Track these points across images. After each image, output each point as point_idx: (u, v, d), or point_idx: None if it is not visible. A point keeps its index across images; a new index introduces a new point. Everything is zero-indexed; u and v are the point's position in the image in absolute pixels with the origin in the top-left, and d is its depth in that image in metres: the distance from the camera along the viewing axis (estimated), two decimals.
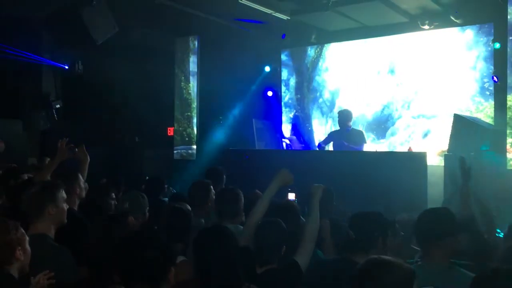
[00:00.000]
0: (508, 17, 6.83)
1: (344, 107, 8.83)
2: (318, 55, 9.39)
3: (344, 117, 7.36)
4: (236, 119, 8.94)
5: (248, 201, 3.69)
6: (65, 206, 3.03)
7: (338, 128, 7.52)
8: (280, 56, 9.74)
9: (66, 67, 8.82)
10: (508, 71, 6.80)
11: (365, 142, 7.40)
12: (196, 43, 9.64)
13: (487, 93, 7.51)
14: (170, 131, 9.89)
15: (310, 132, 9.40)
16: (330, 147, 7.58)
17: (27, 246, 2.45)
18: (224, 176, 4.74)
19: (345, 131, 7.25)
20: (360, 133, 7.48)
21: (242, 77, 8.77)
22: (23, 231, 2.48)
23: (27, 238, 2.48)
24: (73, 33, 8.11)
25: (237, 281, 2.28)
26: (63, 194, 3.03)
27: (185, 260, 2.85)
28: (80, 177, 3.90)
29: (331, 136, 7.62)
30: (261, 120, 9.12)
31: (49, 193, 2.96)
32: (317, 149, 7.84)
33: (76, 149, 4.22)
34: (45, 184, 3.15)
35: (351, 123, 7.41)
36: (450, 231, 2.58)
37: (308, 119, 9.47)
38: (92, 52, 8.20)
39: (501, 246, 3.27)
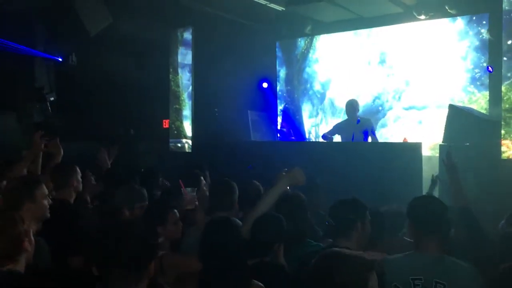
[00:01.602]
0: (504, 7, 6.82)
1: (335, 98, 8.81)
2: (308, 46, 9.34)
3: (352, 107, 7.17)
4: (232, 111, 8.90)
5: (245, 191, 3.70)
6: (46, 202, 3.00)
7: (334, 119, 7.44)
8: (275, 47, 9.69)
9: (60, 60, 8.75)
10: (503, 61, 6.79)
11: (375, 129, 7.25)
12: (184, 34, 9.60)
13: (478, 83, 7.46)
14: (166, 124, 9.85)
15: (300, 124, 9.35)
16: (336, 138, 7.34)
17: (32, 238, 2.49)
18: (202, 178, 4.65)
19: (355, 122, 7.04)
20: (369, 121, 7.28)
21: (237, 69, 8.73)
22: (29, 222, 2.51)
23: (32, 230, 2.52)
24: (66, 25, 8.04)
25: (243, 275, 2.30)
26: (42, 190, 3.01)
27: (167, 253, 2.85)
28: (78, 170, 3.88)
29: (338, 128, 7.37)
30: (256, 111, 9.11)
31: (26, 189, 2.94)
32: (322, 140, 7.58)
33: (49, 142, 4.18)
34: (22, 180, 3.11)
35: (358, 113, 7.25)
36: (444, 221, 2.58)
37: (298, 111, 9.42)
38: (86, 44, 8.14)
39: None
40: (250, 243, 2.69)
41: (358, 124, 7.03)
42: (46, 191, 3.07)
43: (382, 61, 8.44)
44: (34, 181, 3.06)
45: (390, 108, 8.33)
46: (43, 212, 2.98)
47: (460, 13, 7.53)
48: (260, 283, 2.37)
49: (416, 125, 7.99)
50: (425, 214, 2.60)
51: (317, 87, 9.25)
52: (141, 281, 1.97)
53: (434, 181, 3.94)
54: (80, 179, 3.85)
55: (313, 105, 9.29)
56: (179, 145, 9.63)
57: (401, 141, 6.99)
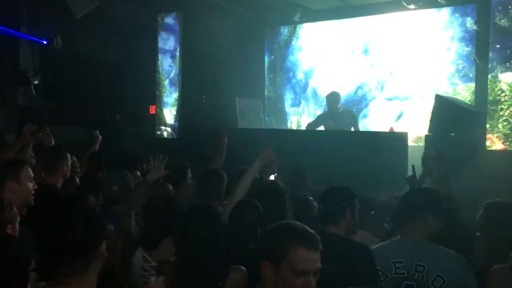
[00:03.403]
0: None
1: (318, 87, 8.75)
2: (292, 34, 9.23)
3: (333, 100, 7.02)
4: (219, 97, 8.85)
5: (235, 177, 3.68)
6: (31, 185, 2.91)
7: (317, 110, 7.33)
8: (264, 34, 9.61)
9: (45, 42, 8.62)
10: (490, 53, 6.83)
11: (357, 122, 7.18)
12: (165, 19, 9.50)
13: (461, 74, 7.45)
14: (152, 109, 9.79)
15: (282, 112, 9.31)
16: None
17: (17, 226, 2.41)
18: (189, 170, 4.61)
19: (336, 114, 6.96)
20: (351, 113, 7.23)
21: (225, 55, 8.66)
22: (16, 210, 2.44)
23: (19, 218, 2.44)
24: (52, 7, 7.91)
25: (222, 262, 2.29)
26: (28, 172, 2.93)
27: None
28: (68, 156, 3.85)
29: (321, 119, 7.25)
30: (244, 98, 9.06)
31: (10, 168, 2.86)
32: None
33: (40, 133, 4.16)
34: (6, 160, 3.03)
35: (340, 105, 7.09)
36: (425, 208, 2.64)
37: (280, 99, 9.36)
38: (71, 27, 8.02)
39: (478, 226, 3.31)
40: (233, 232, 2.68)
41: (340, 116, 6.97)
42: (31, 174, 2.95)
43: (366, 51, 8.40)
44: (20, 162, 2.99)
45: (373, 98, 8.30)
46: (27, 195, 2.86)
47: (449, 3, 7.53)
48: (241, 267, 2.37)
49: (399, 115, 7.97)
50: (410, 201, 2.73)
51: (300, 75, 9.18)
52: (90, 266, 1.86)
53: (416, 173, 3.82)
54: (70, 165, 3.83)
55: (295, 94, 9.23)
56: (158, 132, 9.58)
57: (387, 130, 7.02)
